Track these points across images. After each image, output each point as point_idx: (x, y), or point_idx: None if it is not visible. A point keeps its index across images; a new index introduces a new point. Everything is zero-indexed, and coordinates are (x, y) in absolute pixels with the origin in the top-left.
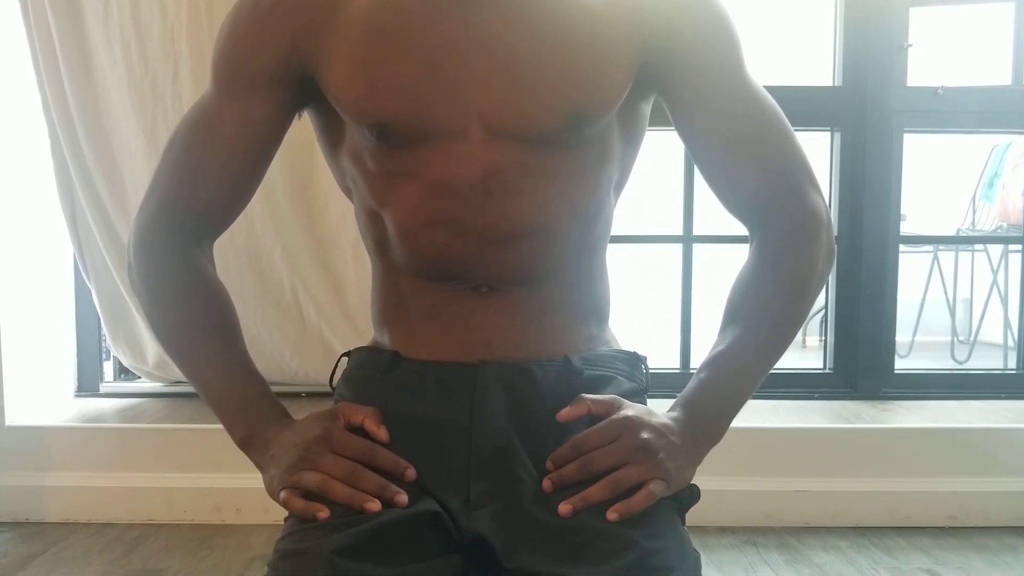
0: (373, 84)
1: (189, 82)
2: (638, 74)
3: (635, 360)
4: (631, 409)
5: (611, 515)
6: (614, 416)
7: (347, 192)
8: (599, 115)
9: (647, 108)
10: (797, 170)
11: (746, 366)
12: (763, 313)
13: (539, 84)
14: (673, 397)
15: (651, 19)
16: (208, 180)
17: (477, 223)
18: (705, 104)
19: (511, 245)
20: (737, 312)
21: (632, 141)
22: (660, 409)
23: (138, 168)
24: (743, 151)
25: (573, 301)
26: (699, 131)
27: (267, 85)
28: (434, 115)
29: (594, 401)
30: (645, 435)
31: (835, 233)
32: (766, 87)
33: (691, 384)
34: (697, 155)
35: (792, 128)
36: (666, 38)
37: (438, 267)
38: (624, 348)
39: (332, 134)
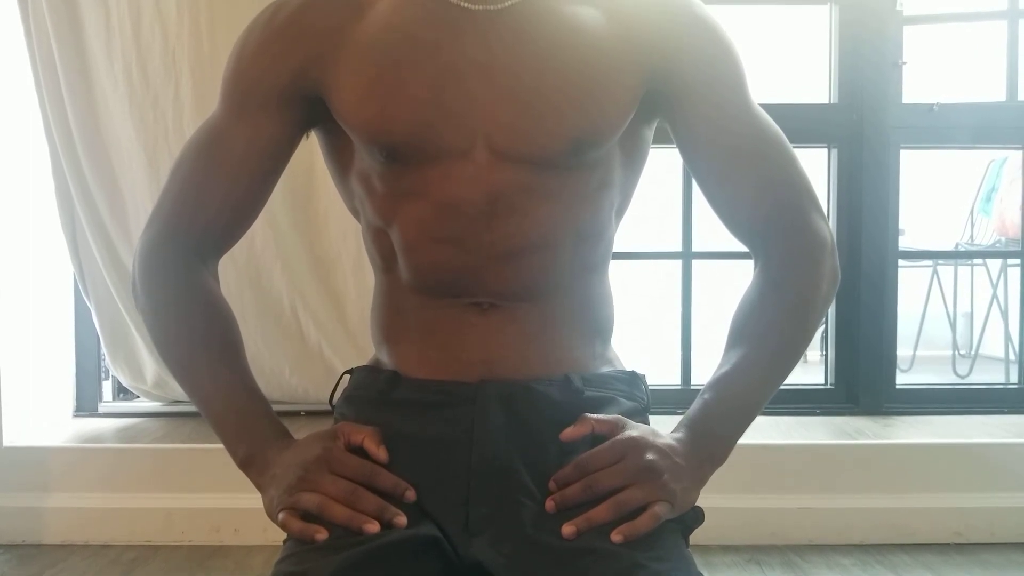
0: (383, 107)
1: (190, 103)
2: (642, 99)
3: (634, 379)
4: (635, 429)
5: (616, 536)
6: (618, 436)
7: (354, 213)
8: (603, 139)
9: (649, 133)
10: (800, 194)
11: (750, 387)
12: (767, 335)
13: (543, 108)
14: (674, 414)
15: (655, 44)
16: (214, 198)
17: (481, 241)
18: (709, 129)
19: (513, 262)
20: (741, 334)
21: (634, 167)
22: (662, 427)
23: (139, 188)
24: (747, 175)
25: (574, 320)
26: (703, 156)
27: (276, 105)
28: (441, 137)
29: (598, 421)
30: (650, 456)
31: (838, 256)
32: (762, 105)
33: (695, 405)
34: (701, 179)
35: (795, 152)
36: (670, 63)
37: (441, 282)
38: (624, 368)
39: (340, 155)
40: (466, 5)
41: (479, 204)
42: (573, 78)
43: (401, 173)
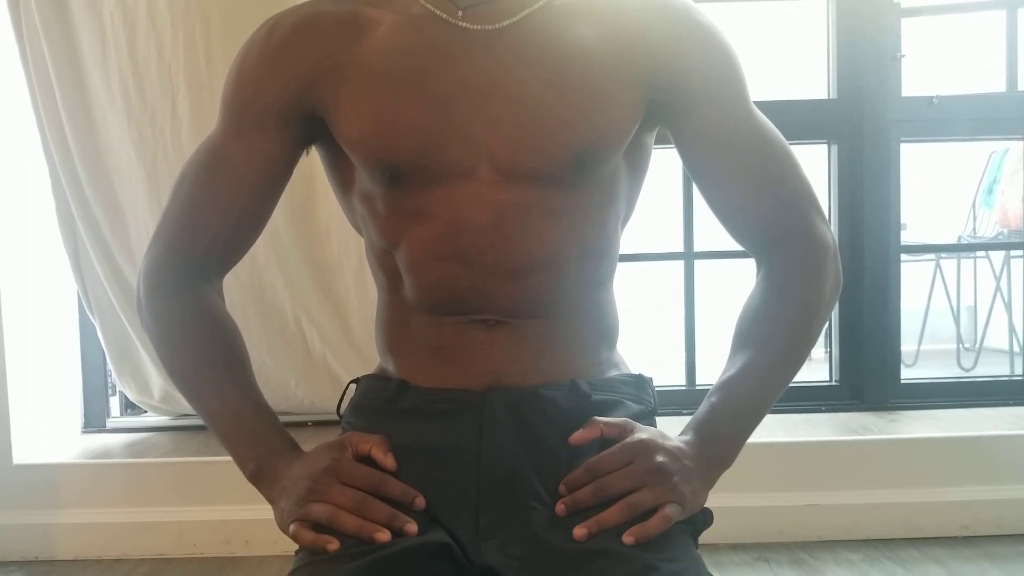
0: (385, 129)
1: (187, 117)
2: (645, 109)
3: (641, 382)
4: (644, 432)
5: (627, 538)
6: (628, 439)
7: (357, 229)
8: (607, 153)
9: (651, 140)
10: (803, 200)
11: (756, 389)
12: (772, 339)
13: (544, 125)
14: (679, 415)
15: (656, 54)
16: (215, 215)
17: (486, 259)
18: (711, 136)
19: (519, 280)
20: (746, 338)
21: (638, 175)
22: (668, 429)
23: (139, 204)
24: (749, 182)
25: (581, 332)
26: (705, 163)
27: (276, 122)
28: (445, 156)
29: (607, 424)
30: (660, 458)
31: (840, 261)
32: (762, 102)
33: (702, 408)
34: (703, 186)
35: (796, 156)
36: (672, 72)
37: (446, 300)
38: (630, 371)
39: (341, 173)
40: (464, 25)
41: (484, 223)
42: (574, 94)
43: (404, 195)
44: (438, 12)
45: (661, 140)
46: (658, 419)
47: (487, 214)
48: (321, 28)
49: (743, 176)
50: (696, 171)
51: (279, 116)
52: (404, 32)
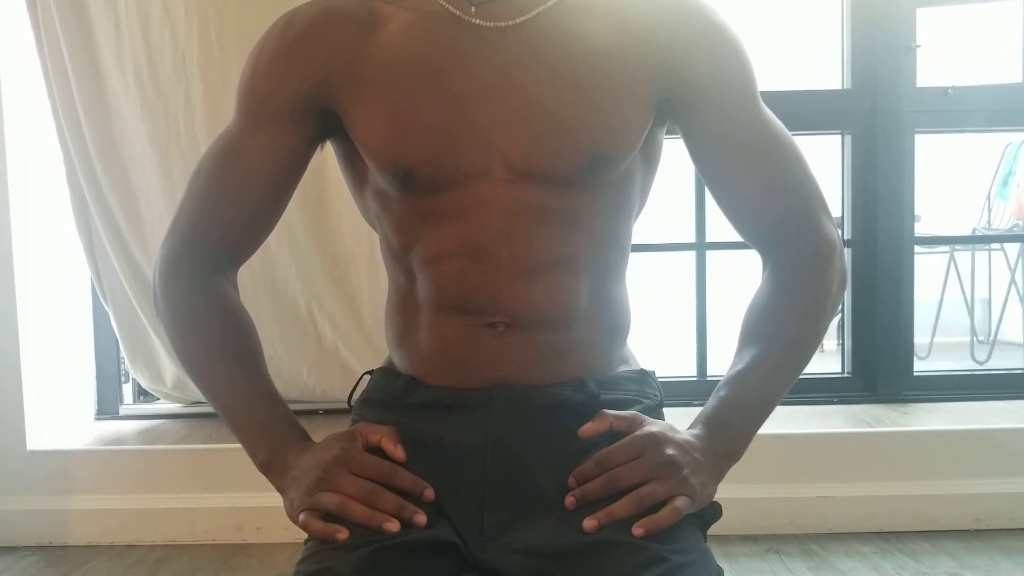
0: (399, 132)
1: (201, 105)
2: (656, 107)
3: (643, 377)
4: (654, 425)
5: (637, 530)
6: (638, 432)
7: (371, 224)
8: (620, 153)
9: (663, 134)
10: (810, 197)
11: (764, 383)
12: (780, 334)
13: (560, 125)
14: (691, 406)
15: (668, 52)
16: (230, 208)
17: (500, 259)
18: (719, 134)
19: (532, 281)
20: (753, 334)
21: (650, 169)
22: (679, 419)
23: (153, 191)
24: (756, 181)
25: (593, 336)
26: (713, 160)
27: (290, 117)
28: (459, 158)
29: (616, 417)
30: (670, 451)
31: (846, 260)
32: (776, 92)
33: (711, 402)
34: (711, 183)
35: (804, 154)
36: (683, 70)
37: (459, 300)
38: (637, 366)
39: (355, 168)
40: (477, 22)
41: (498, 223)
42: (586, 94)
43: (417, 195)
44: (451, 8)
45: (671, 131)
46: (670, 410)
47: (500, 214)
48: (336, 24)
49: (751, 175)
50: (704, 168)
51: (294, 111)
52: (417, 29)
